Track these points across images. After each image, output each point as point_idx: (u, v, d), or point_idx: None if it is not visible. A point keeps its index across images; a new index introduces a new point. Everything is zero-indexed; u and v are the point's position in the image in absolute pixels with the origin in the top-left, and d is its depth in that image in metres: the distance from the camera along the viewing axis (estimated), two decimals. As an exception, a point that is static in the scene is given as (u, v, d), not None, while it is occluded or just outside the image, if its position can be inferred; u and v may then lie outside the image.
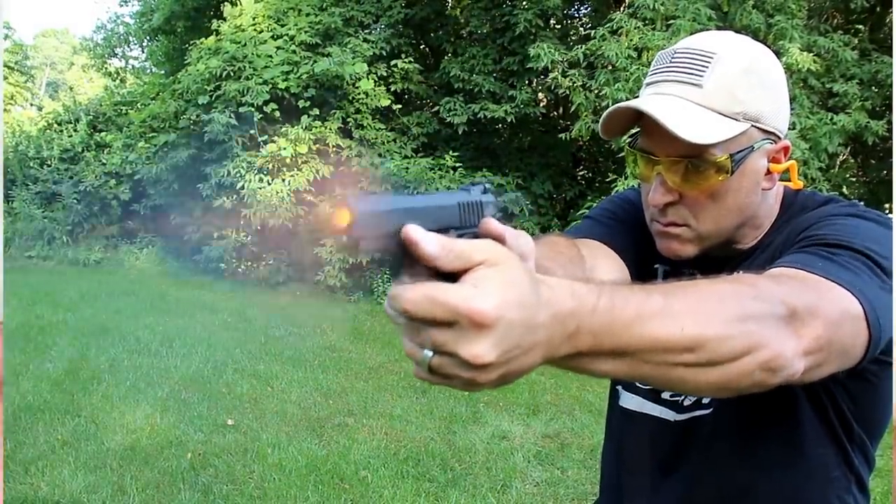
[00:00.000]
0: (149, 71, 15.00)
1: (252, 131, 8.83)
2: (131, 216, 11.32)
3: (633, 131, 0.93)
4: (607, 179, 6.46)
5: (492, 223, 0.58)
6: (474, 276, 0.50)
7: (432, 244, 0.50)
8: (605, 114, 0.90)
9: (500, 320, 0.48)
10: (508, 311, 0.49)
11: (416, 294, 0.48)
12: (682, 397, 0.98)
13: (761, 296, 0.65)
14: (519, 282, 0.50)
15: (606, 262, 0.95)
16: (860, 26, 6.90)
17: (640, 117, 0.89)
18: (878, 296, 0.74)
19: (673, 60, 0.89)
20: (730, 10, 6.11)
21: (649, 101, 0.86)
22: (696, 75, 0.86)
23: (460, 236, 0.53)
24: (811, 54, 5.82)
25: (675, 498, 0.98)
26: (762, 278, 0.70)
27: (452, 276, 0.51)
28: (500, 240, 0.57)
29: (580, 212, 7.67)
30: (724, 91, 0.86)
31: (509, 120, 8.30)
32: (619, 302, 0.55)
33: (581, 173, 9.76)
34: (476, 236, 0.55)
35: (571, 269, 0.83)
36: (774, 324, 0.64)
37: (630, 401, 1.03)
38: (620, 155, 6.06)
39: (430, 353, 0.50)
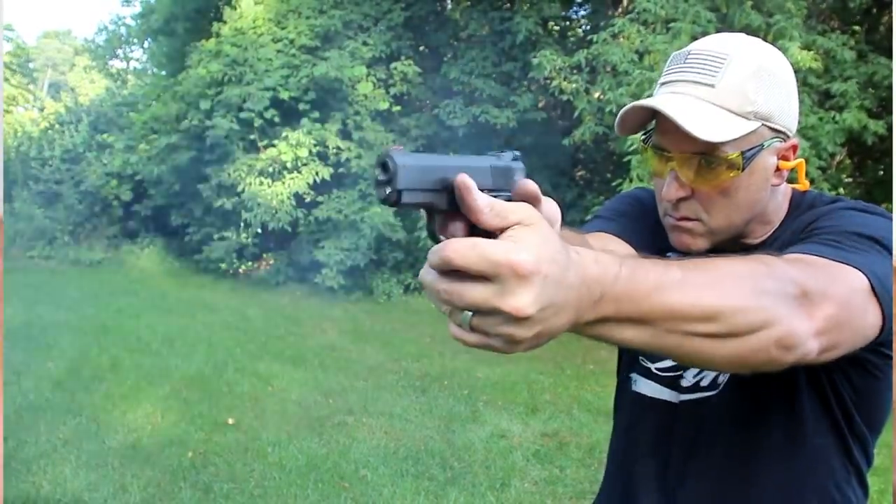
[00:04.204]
0: (150, 72, 15.03)
1: (252, 136, 8.87)
2: (132, 216, 11.35)
3: (648, 129, 0.96)
4: (612, 182, 6.47)
5: (529, 183, 0.59)
6: (512, 233, 0.52)
7: (481, 197, 0.53)
8: (620, 112, 0.93)
9: (539, 272, 0.51)
10: (545, 264, 0.51)
11: (462, 244, 0.51)
12: (683, 378, 1.00)
13: (775, 275, 0.68)
14: (552, 240, 0.53)
15: (617, 250, 0.97)
16: (857, 27, 6.93)
17: (654, 115, 0.93)
18: (886, 273, 0.77)
19: (687, 61, 0.92)
20: (729, 12, 6.13)
21: (665, 100, 0.90)
22: (710, 75, 0.90)
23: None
24: (811, 52, 5.85)
25: (680, 483, 1.00)
26: (776, 259, 0.73)
27: (486, 236, 0.53)
28: (535, 200, 0.59)
29: (580, 213, 7.69)
30: (736, 91, 0.89)
31: (511, 126, 8.36)
32: (640, 272, 0.58)
33: (580, 174, 9.79)
34: (508, 200, 0.57)
35: None
36: (788, 303, 0.66)
37: (645, 386, 1.05)
38: (626, 158, 6.07)
39: (469, 314, 0.52)
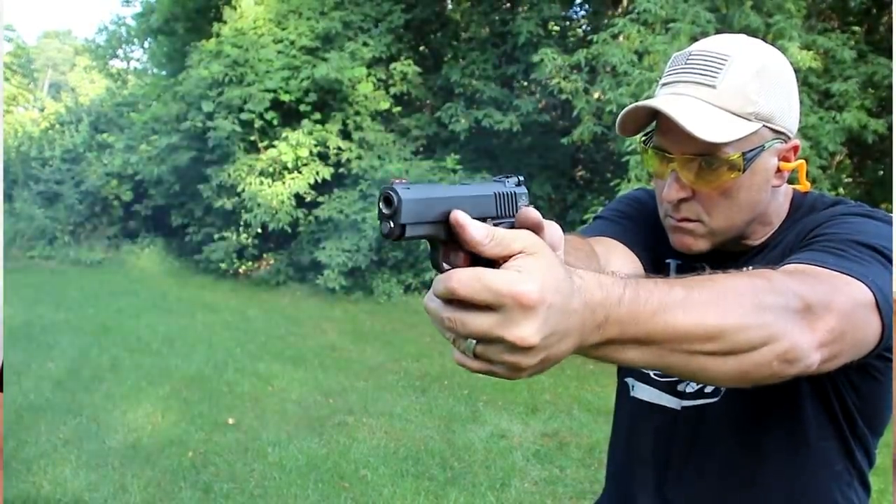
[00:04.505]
0: (150, 72, 15.02)
1: (252, 137, 8.87)
2: (133, 216, 11.35)
3: (648, 130, 0.96)
4: (611, 183, 6.48)
5: (531, 212, 0.60)
6: (515, 263, 0.52)
7: (478, 229, 0.53)
8: (621, 113, 0.93)
9: (543, 302, 0.51)
10: (549, 294, 0.51)
11: (465, 275, 0.51)
12: (686, 385, 1.00)
13: (777, 290, 0.68)
14: (556, 269, 0.53)
15: (620, 258, 0.97)
16: (856, 28, 6.93)
17: (655, 116, 0.93)
18: (887, 283, 0.77)
19: (688, 62, 0.92)
20: (728, 12, 6.13)
21: (666, 101, 0.90)
22: (711, 76, 0.89)
23: (497, 226, 0.56)
24: (811, 52, 5.85)
25: (681, 487, 1.00)
26: (777, 273, 0.73)
27: (490, 265, 0.53)
28: (537, 228, 0.59)
29: (580, 214, 7.69)
30: (737, 92, 0.88)
31: (514, 130, 8.37)
32: (643, 293, 0.58)
33: (580, 174, 9.79)
34: (511, 226, 0.57)
35: (588, 265, 0.85)
36: (790, 317, 0.66)
37: (643, 392, 1.05)
38: (624, 159, 6.08)
39: (473, 342, 0.53)
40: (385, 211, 0.54)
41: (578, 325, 0.54)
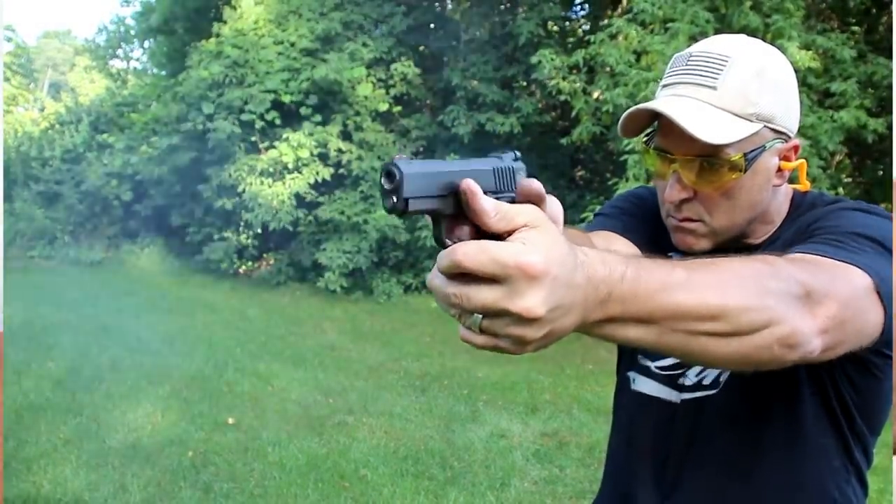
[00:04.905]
0: (150, 72, 15.03)
1: (253, 138, 8.88)
2: (133, 216, 11.35)
3: (649, 130, 0.96)
4: (608, 182, 6.49)
5: (533, 182, 0.59)
6: (520, 236, 0.53)
7: (487, 200, 0.54)
8: (623, 115, 0.93)
9: (548, 273, 0.51)
10: (554, 266, 0.52)
11: (471, 247, 0.51)
12: (685, 378, 1.00)
13: (779, 275, 0.68)
14: (560, 242, 0.54)
15: (621, 249, 0.97)
16: (856, 28, 6.94)
17: (656, 117, 0.93)
18: (887, 273, 0.77)
19: (689, 63, 0.93)
20: (727, 12, 6.13)
21: (667, 103, 0.90)
22: (712, 77, 0.90)
23: (497, 200, 0.56)
24: (810, 52, 5.86)
25: (680, 481, 1.00)
26: (779, 259, 0.73)
27: (493, 239, 0.53)
28: (539, 198, 0.59)
29: (579, 213, 7.70)
30: (738, 93, 0.89)
31: (515, 132, 8.39)
32: (644, 272, 0.59)
33: (580, 174, 9.80)
34: (512, 201, 0.57)
35: None
36: (791, 302, 0.67)
37: (644, 385, 1.05)
38: (622, 158, 6.09)
39: (479, 316, 0.53)
40: (387, 186, 0.54)
41: (582, 299, 0.54)
